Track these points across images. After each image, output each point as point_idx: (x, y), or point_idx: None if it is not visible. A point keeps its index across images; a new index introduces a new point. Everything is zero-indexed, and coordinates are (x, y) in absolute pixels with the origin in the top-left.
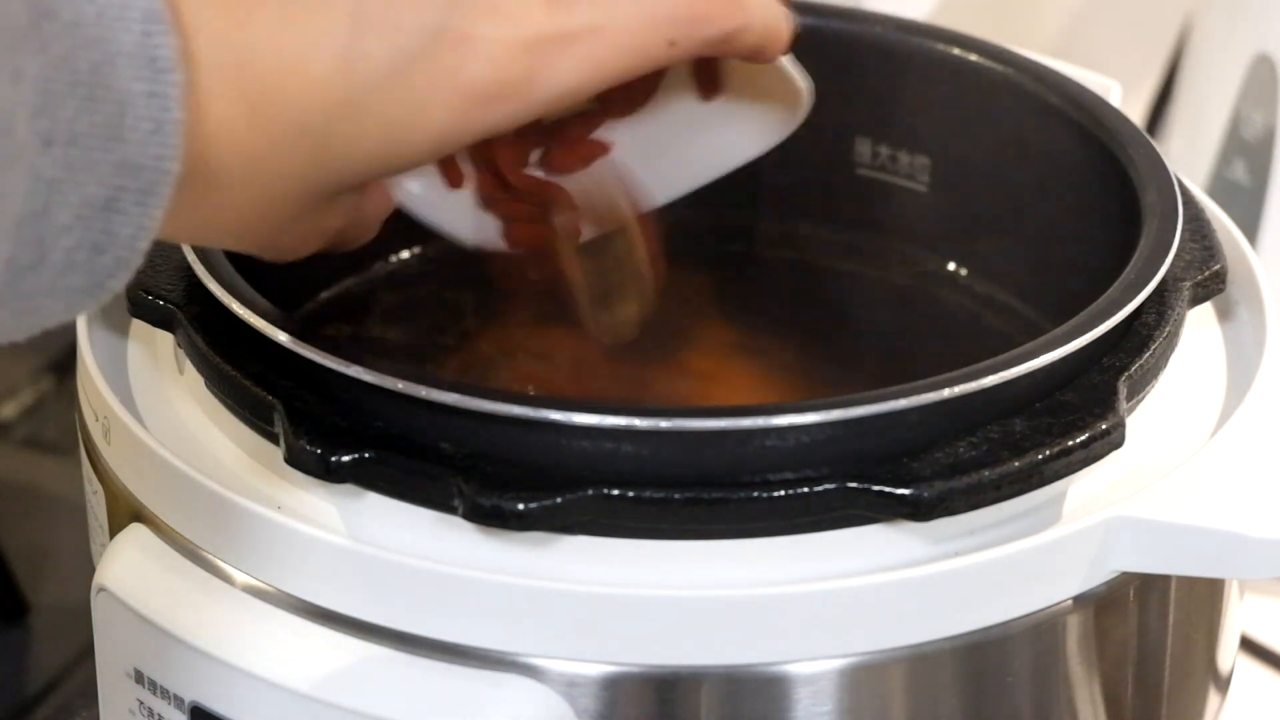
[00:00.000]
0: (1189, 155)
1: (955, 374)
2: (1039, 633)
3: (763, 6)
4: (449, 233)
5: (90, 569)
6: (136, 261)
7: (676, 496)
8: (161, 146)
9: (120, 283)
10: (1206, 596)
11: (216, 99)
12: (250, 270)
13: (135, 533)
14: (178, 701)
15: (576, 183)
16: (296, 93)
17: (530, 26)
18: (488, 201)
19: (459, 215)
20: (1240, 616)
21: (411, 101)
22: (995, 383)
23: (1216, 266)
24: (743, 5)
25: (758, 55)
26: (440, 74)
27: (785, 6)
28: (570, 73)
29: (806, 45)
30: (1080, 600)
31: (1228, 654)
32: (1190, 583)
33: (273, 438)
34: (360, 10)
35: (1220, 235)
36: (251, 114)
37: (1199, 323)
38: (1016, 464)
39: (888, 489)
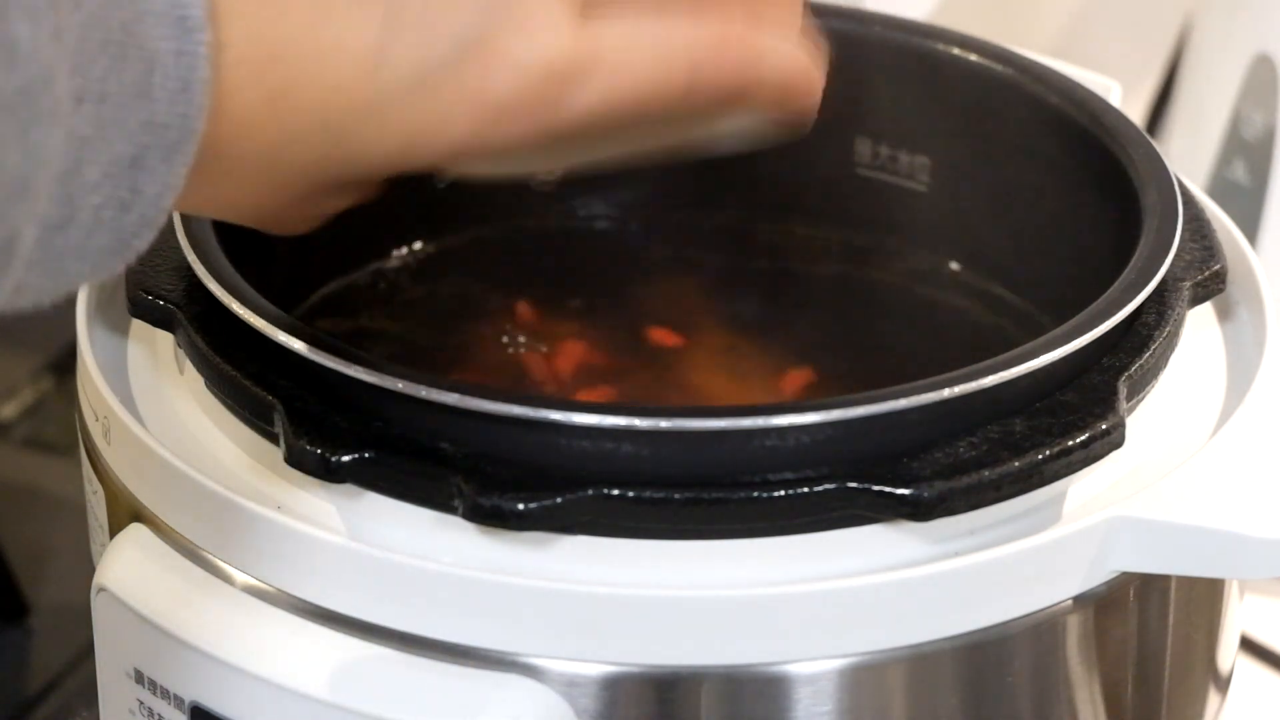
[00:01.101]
0: (1189, 155)
1: (955, 374)
2: (1039, 633)
3: (780, 60)
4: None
5: (90, 569)
6: (160, 220)
7: (676, 496)
8: (188, 105)
9: (144, 242)
10: (1206, 596)
11: (242, 90)
12: (250, 270)
13: (135, 533)
14: (178, 701)
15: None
16: (321, 91)
17: (558, 47)
18: None
19: None
20: (1240, 616)
21: (434, 110)
22: (995, 383)
23: (1216, 266)
24: (757, 58)
25: (780, 108)
26: (465, 87)
27: (812, 60)
28: (589, 98)
29: None
30: (1080, 600)
31: (1228, 654)
32: (1190, 583)
33: (273, 438)
34: (393, 15)
35: (1220, 235)
36: (274, 106)
37: (1199, 323)
38: (1016, 464)
39: (888, 489)
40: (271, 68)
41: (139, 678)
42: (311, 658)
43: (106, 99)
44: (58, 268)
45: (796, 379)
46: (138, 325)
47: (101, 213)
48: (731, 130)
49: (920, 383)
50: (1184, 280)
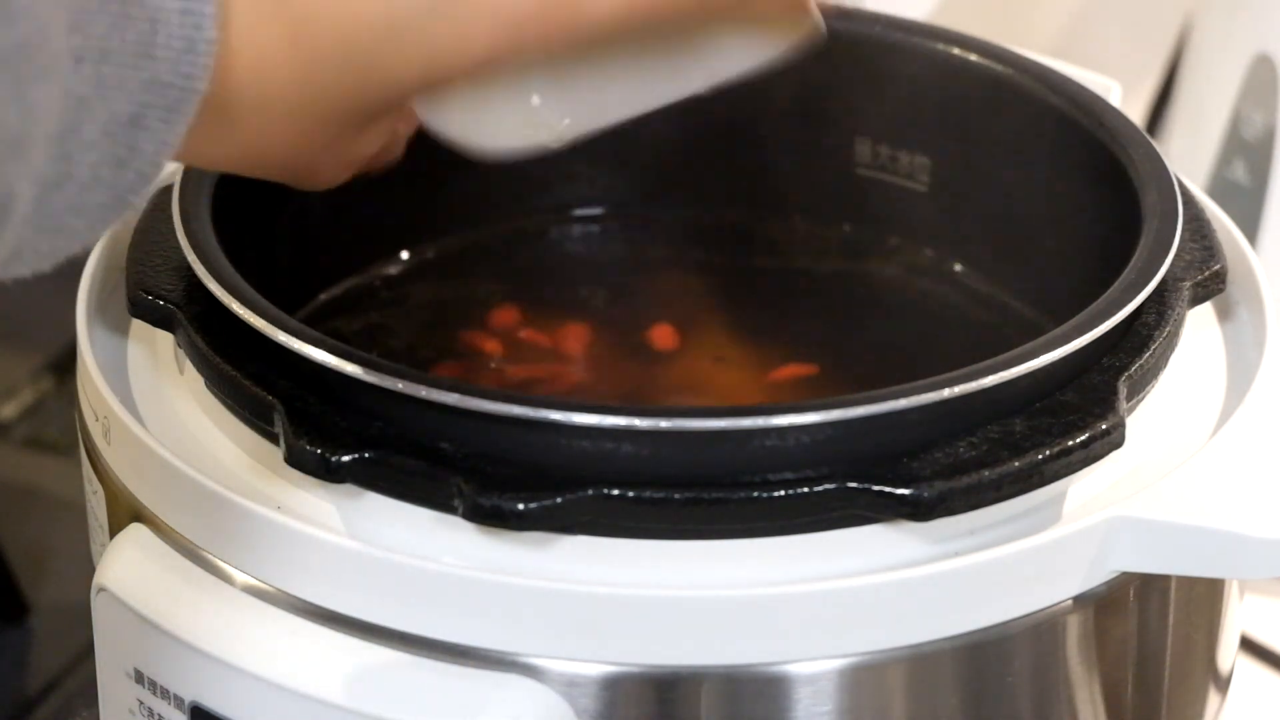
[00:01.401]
0: (1189, 155)
1: (955, 374)
2: (1039, 633)
3: None
4: (460, 140)
5: (90, 569)
6: (156, 175)
7: (676, 496)
8: (192, 65)
9: (140, 197)
10: (1206, 596)
11: (258, 28)
12: (252, 274)
13: (135, 533)
14: (178, 701)
15: None
16: (339, 19)
17: None
18: None
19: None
20: (1240, 616)
21: (454, 27)
22: (995, 383)
23: (1216, 266)
24: None
25: (793, 4)
26: (483, 2)
27: None
28: (607, 4)
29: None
30: (1080, 600)
31: (1228, 654)
32: (1190, 583)
33: (273, 438)
34: None
35: (1220, 235)
36: (294, 41)
37: (1199, 323)
38: (1016, 464)
39: (888, 489)
40: (284, 3)
41: (139, 678)
42: (311, 658)
43: (108, 57)
44: (56, 225)
45: (792, 370)
46: (138, 325)
47: (99, 170)
48: (746, 51)
49: (920, 383)
50: (1184, 280)
